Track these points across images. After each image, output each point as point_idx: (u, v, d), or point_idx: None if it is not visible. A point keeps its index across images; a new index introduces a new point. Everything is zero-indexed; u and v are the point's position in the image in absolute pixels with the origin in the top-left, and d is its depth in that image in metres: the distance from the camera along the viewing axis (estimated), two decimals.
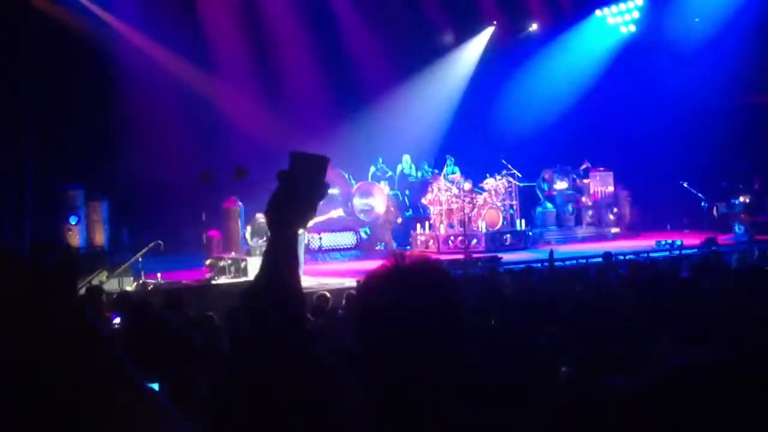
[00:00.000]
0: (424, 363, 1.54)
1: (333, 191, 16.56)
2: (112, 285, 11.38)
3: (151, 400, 1.60)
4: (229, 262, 12.98)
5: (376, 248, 16.04)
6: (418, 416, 1.55)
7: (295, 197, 1.85)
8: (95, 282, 10.99)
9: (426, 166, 17.87)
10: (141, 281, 11.83)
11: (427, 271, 1.66)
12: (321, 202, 1.91)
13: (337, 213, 13.82)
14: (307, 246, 13.80)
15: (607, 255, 11.13)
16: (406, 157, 17.79)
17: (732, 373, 1.15)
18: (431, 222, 16.27)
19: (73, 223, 13.51)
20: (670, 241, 14.71)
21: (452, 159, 17.16)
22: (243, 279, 12.25)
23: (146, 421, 1.58)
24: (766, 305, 5.91)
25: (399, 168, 17.71)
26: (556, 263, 10.85)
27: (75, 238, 13.49)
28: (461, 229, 15.57)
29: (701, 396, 1.12)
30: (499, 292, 7.41)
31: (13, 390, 1.45)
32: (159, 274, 12.11)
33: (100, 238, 13.98)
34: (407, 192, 17.64)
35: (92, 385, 1.52)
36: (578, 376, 3.70)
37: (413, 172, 17.74)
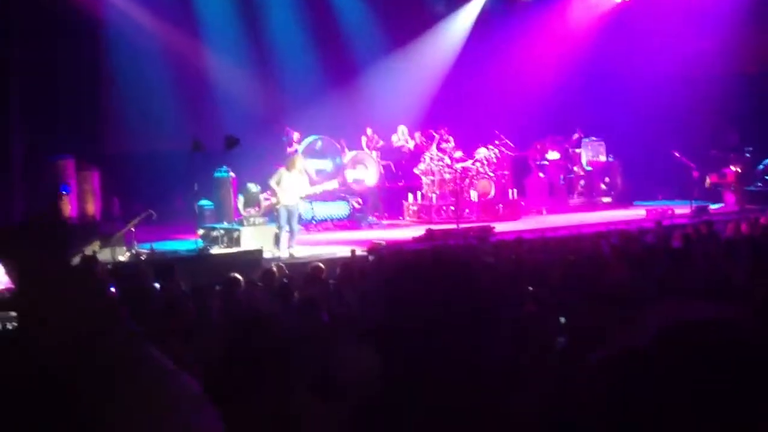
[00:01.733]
0: (446, 343, 1.61)
1: (325, 162, 16.53)
2: (104, 255, 11.39)
3: (165, 381, 1.65)
4: (222, 232, 12.98)
5: (368, 219, 16.06)
6: (429, 387, 1.61)
7: None
8: (88, 252, 10.99)
9: (418, 136, 17.78)
10: (134, 251, 11.83)
11: (465, 265, 1.75)
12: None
13: (332, 185, 13.79)
14: (299, 216, 13.80)
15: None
16: (402, 128, 17.68)
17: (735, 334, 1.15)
18: (423, 192, 16.28)
19: (65, 193, 13.46)
20: (661, 210, 14.78)
21: (444, 129, 17.08)
22: (236, 249, 12.26)
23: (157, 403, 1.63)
24: (758, 274, 5.96)
25: (394, 138, 17.62)
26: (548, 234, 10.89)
27: (66, 208, 13.46)
28: (453, 198, 15.59)
29: (704, 353, 1.12)
30: (484, 263, 7.45)
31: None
32: (151, 244, 12.11)
33: (92, 208, 13.95)
34: (402, 162, 17.57)
35: (109, 369, 1.56)
36: (570, 346, 3.74)
37: (408, 143, 17.65)
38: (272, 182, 12.32)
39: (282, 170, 12.26)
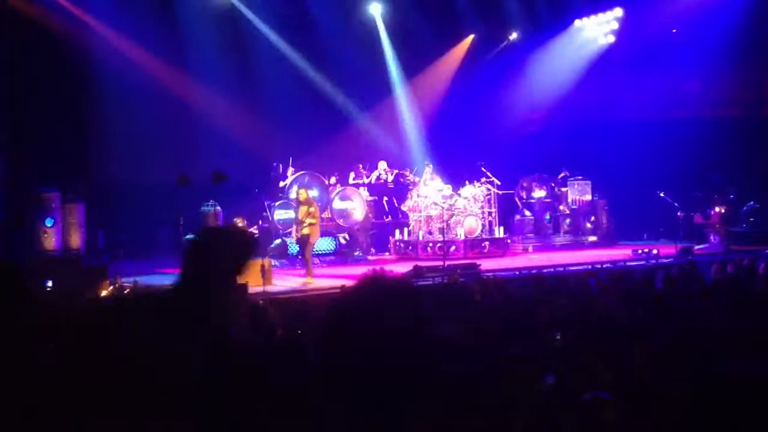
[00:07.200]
0: (395, 371, 1.58)
1: (312, 193, 16.50)
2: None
3: None
4: None
5: (355, 254, 16.00)
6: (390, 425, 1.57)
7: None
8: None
9: (408, 173, 17.83)
10: (117, 285, 11.69)
11: (399, 290, 1.74)
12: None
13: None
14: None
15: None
16: (382, 164, 17.76)
17: None
18: (410, 228, 16.28)
19: (49, 225, 13.34)
20: (646, 250, 14.82)
21: (431, 166, 17.15)
22: None
23: None
24: (738, 315, 5.96)
25: (375, 174, 17.68)
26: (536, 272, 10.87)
27: (50, 240, 13.33)
28: (440, 235, 15.59)
29: None
30: (471, 301, 7.42)
31: None
32: (135, 278, 11.97)
33: (76, 241, 13.82)
34: (385, 198, 17.59)
35: None
36: (558, 385, 3.71)
37: (389, 178, 17.69)
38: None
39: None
